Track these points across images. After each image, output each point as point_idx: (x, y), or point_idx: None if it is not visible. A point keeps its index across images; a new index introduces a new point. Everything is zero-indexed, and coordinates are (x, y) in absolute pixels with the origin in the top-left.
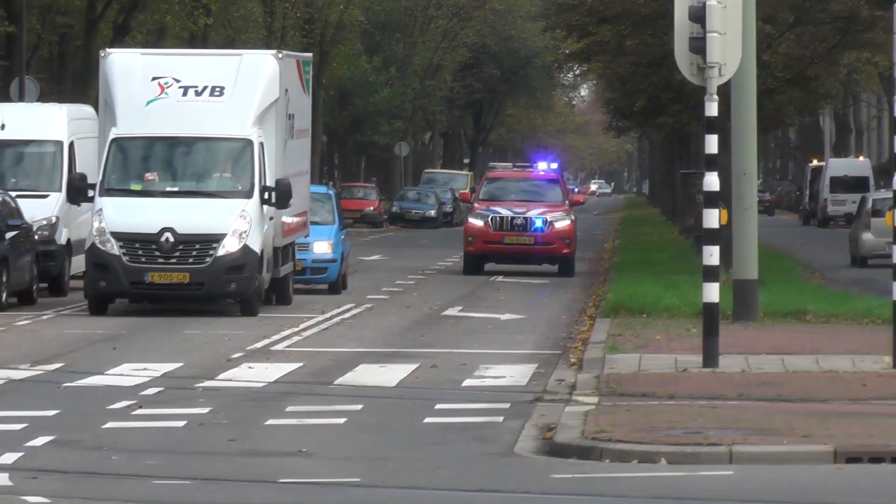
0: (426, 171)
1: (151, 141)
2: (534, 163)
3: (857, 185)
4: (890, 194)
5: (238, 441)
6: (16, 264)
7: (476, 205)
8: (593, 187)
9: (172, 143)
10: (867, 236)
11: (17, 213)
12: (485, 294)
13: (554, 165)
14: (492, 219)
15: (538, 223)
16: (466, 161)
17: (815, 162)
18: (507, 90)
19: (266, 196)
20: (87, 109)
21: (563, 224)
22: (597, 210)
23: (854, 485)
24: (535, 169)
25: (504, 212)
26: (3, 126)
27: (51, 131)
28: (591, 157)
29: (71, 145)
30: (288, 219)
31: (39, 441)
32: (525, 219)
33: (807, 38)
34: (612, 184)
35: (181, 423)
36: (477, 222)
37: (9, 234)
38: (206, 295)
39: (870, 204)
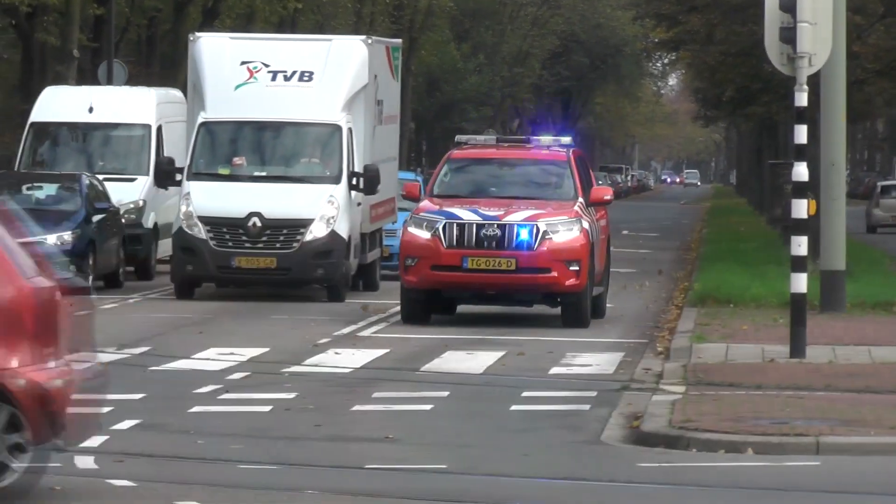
0: None
1: (240, 125)
2: (532, 135)
3: None
4: (892, 181)
5: (324, 426)
6: (103, 247)
7: (424, 203)
8: (686, 177)
9: (261, 127)
10: (877, 211)
11: (105, 196)
12: None
13: (566, 139)
14: (445, 227)
15: (523, 234)
16: None
17: None
18: (596, 79)
19: (354, 182)
20: (176, 93)
21: (567, 236)
22: (684, 200)
23: None
24: (532, 144)
25: (467, 215)
26: (91, 109)
27: (139, 115)
28: (679, 147)
29: (159, 129)
30: (375, 205)
31: (125, 424)
32: (501, 227)
33: None
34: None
35: (267, 409)
36: (420, 234)
37: (96, 218)
38: (293, 280)
39: (879, 188)
